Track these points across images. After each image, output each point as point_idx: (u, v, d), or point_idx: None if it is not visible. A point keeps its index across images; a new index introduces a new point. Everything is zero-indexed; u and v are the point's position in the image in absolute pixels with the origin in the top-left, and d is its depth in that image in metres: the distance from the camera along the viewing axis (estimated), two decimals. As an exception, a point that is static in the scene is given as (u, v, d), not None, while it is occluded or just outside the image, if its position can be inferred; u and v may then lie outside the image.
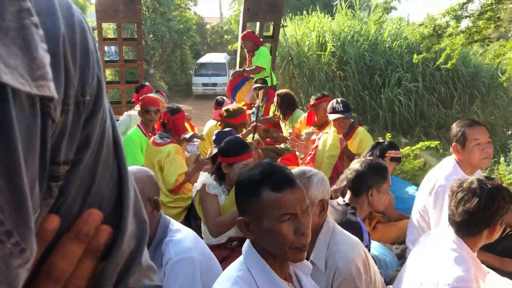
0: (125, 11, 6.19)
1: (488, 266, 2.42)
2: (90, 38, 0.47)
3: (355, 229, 2.21)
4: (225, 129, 3.47)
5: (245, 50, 6.67)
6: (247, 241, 1.48)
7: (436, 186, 2.76)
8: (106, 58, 16.37)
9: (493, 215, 1.85)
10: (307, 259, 1.94)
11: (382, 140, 3.56)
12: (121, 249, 0.49)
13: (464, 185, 1.90)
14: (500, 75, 9.84)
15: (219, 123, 4.39)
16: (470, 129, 2.72)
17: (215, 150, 3.27)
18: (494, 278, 2.24)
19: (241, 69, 6.60)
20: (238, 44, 7.64)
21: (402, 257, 2.95)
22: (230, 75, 6.67)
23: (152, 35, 18.58)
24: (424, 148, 6.11)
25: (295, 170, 2.06)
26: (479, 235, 1.88)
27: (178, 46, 20.43)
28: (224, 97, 6.09)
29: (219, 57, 21.12)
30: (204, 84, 19.23)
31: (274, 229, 1.36)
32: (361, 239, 2.18)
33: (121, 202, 0.50)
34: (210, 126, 5.22)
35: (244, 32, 6.73)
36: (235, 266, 1.46)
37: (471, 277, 1.81)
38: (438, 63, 5.53)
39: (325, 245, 1.94)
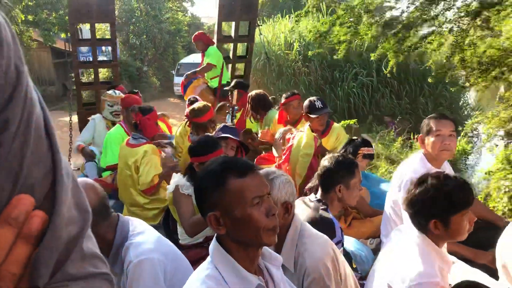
0: (98, 11, 6.11)
1: (461, 258, 2.49)
2: (5, 30, 0.49)
3: (327, 224, 2.24)
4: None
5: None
6: (213, 240, 1.47)
7: (404, 180, 2.80)
8: (103, 58, 17.50)
9: (429, 211, 1.88)
10: None
11: (356, 137, 3.61)
12: (56, 234, 0.49)
13: (415, 179, 1.97)
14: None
15: (187, 123, 4.37)
16: (435, 121, 2.78)
17: None
18: (462, 268, 2.30)
19: (193, 70, 6.73)
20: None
21: (377, 252, 3.00)
22: (184, 76, 6.70)
23: (145, 36, 20.53)
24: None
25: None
26: (429, 229, 1.90)
27: (170, 46, 21.56)
28: (197, 97, 6.06)
29: (195, 58, 21.04)
30: None
31: (247, 215, 1.37)
32: (334, 234, 2.21)
33: (55, 190, 0.51)
34: (182, 126, 5.20)
35: (196, 33, 6.83)
36: (203, 265, 1.46)
37: (436, 271, 1.84)
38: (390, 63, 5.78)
39: (293, 246, 1.95)
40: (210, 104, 4.48)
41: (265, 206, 1.40)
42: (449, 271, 1.95)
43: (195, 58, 21.11)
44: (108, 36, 9.07)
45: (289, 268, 1.93)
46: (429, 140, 2.78)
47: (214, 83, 6.84)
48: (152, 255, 1.82)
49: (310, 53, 8.27)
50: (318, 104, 3.97)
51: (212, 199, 1.40)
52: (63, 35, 17.11)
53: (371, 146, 3.48)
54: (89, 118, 5.37)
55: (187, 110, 4.35)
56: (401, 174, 2.88)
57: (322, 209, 2.41)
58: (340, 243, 2.32)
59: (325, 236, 2.02)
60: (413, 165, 2.85)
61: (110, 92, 5.19)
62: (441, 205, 1.88)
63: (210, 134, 3.29)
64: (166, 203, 3.72)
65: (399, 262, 1.93)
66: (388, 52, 5.88)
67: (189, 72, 6.83)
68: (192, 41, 6.87)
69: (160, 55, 21.24)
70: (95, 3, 6.09)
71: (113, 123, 4.95)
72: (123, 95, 5.05)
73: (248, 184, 1.39)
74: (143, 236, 1.90)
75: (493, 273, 2.22)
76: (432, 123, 2.78)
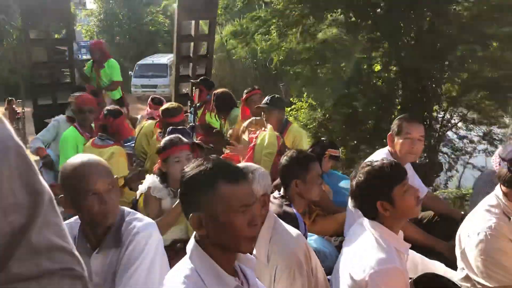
0: (53, 12, 5.94)
1: (422, 247, 2.57)
2: None
3: (290, 219, 2.31)
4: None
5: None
6: (192, 240, 1.46)
7: None
8: (88, 57, 18.66)
9: (370, 193, 1.95)
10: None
11: (324, 139, 3.71)
12: None
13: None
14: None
15: (156, 123, 4.33)
16: (406, 123, 2.87)
17: None
18: (423, 260, 2.39)
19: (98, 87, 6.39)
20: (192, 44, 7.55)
21: (341, 248, 3.08)
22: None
23: (128, 37, 24.19)
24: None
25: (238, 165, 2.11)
26: (378, 214, 1.94)
27: (150, 45, 23.81)
28: (161, 97, 6.00)
29: (161, 58, 20.69)
30: (143, 86, 18.77)
31: (231, 222, 1.37)
32: (297, 228, 2.27)
33: None
34: (146, 126, 5.13)
35: (95, 41, 6.68)
36: (181, 266, 1.45)
37: (394, 256, 1.88)
38: None
39: (267, 239, 2.00)
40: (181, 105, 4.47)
41: (249, 215, 1.40)
42: (407, 253, 1.99)
43: (155, 58, 20.84)
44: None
45: (262, 261, 1.97)
46: (398, 141, 2.86)
47: (116, 95, 6.71)
48: (156, 232, 1.86)
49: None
50: (266, 100, 4.10)
51: (199, 200, 1.39)
52: (57, 36, 18.40)
53: (338, 148, 3.59)
54: (46, 120, 5.20)
55: (160, 110, 4.29)
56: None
57: (286, 204, 2.49)
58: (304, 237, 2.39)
59: (298, 231, 2.08)
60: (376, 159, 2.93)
61: (77, 93, 5.02)
62: (377, 184, 1.93)
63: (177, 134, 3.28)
64: (129, 206, 3.68)
65: (358, 253, 1.99)
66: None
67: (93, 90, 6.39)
68: (91, 47, 6.54)
69: (141, 53, 22.88)
70: (50, 3, 5.92)
71: None
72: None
73: (238, 192, 1.38)
74: (140, 213, 1.93)
75: (452, 264, 2.34)
76: (404, 125, 2.86)
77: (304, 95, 9.25)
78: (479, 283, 2.00)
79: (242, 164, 2.14)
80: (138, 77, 19.20)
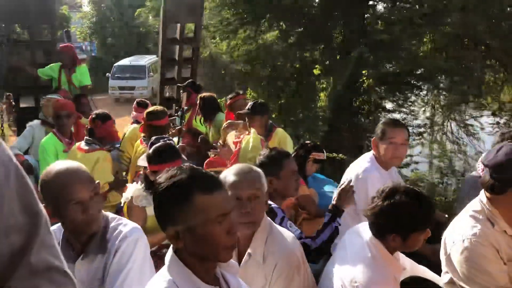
0: (37, 14, 5.87)
1: (420, 255, 2.60)
2: None
3: (270, 213, 2.34)
4: (161, 138, 3.39)
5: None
6: (170, 251, 1.42)
7: (355, 179, 2.89)
8: (84, 56, 21.19)
9: (392, 225, 1.94)
10: (245, 250, 2.02)
11: (308, 142, 3.71)
12: None
13: (382, 188, 2.02)
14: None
15: (140, 127, 4.30)
16: (390, 128, 2.88)
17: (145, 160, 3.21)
18: (413, 268, 2.42)
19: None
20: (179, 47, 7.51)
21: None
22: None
23: (119, 38, 25.38)
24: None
25: (239, 167, 2.10)
26: (387, 239, 1.97)
27: (141, 46, 25.00)
28: (146, 101, 5.96)
29: (139, 60, 20.48)
30: (120, 88, 18.54)
31: (209, 232, 1.33)
32: (275, 215, 2.42)
33: None
34: (131, 130, 5.09)
35: (65, 45, 6.61)
36: (159, 277, 1.42)
37: (388, 277, 1.92)
38: None
39: (263, 240, 2.01)
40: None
41: (227, 224, 1.37)
42: (400, 278, 2.03)
43: (132, 60, 20.64)
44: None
45: (258, 260, 1.98)
46: (382, 145, 2.88)
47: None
48: (143, 237, 1.83)
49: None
50: (249, 107, 4.10)
51: (174, 213, 1.35)
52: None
53: (322, 151, 3.59)
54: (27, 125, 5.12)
55: (145, 113, 4.26)
56: (351, 175, 2.98)
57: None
58: (284, 218, 2.51)
59: (292, 233, 2.11)
60: (364, 165, 2.95)
61: (55, 96, 4.96)
62: (406, 224, 1.93)
63: (172, 142, 3.25)
64: (113, 210, 3.66)
65: (353, 263, 2.00)
66: None
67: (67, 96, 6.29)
68: (61, 51, 6.42)
69: (132, 53, 23.41)
70: (34, 4, 5.85)
71: None
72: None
73: (214, 202, 1.34)
74: (125, 219, 1.90)
75: (435, 267, 2.36)
76: (387, 130, 2.87)
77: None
78: (463, 287, 2.02)
79: (243, 165, 2.13)
80: (115, 79, 18.93)
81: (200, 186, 1.34)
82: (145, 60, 20.25)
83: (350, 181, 2.64)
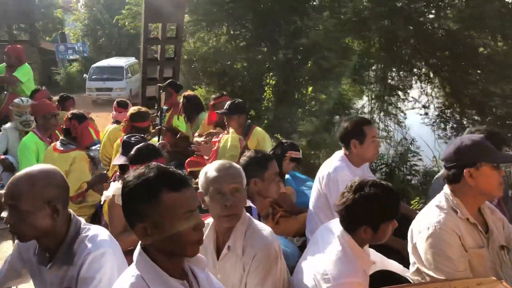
0: (15, 13, 5.84)
1: (390, 248, 2.69)
2: None
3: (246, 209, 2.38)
4: (133, 136, 3.42)
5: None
6: (138, 248, 1.46)
7: (327, 178, 2.98)
8: (76, 56, 23.62)
9: (362, 217, 2.01)
10: (224, 244, 2.08)
11: (285, 141, 3.77)
12: None
13: (351, 183, 2.10)
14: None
15: (122, 127, 4.30)
16: (367, 127, 2.95)
17: (121, 158, 3.23)
18: (383, 261, 2.49)
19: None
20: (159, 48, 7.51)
21: (303, 248, 3.15)
22: None
23: (110, 39, 26.56)
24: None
25: (220, 163, 2.15)
26: (358, 232, 2.04)
27: (131, 46, 24.97)
28: (126, 101, 5.96)
29: (118, 61, 20.25)
30: (98, 89, 18.31)
31: (177, 229, 1.37)
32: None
33: None
34: (111, 130, 5.09)
35: (12, 45, 6.52)
36: (127, 274, 1.45)
37: (358, 271, 1.99)
38: None
39: (242, 232, 2.07)
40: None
41: (194, 220, 1.41)
42: (369, 272, 2.10)
43: (111, 61, 20.45)
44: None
45: (238, 253, 2.04)
46: (364, 145, 2.94)
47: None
48: (110, 247, 1.81)
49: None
50: (226, 106, 4.17)
51: (142, 210, 1.38)
52: (47, 38, 25.74)
53: (298, 150, 3.65)
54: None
55: (128, 113, 4.26)
56: (323, 174, 3.04)
57: None
58: (260, 219, 2.55)
59: (269, 227, 2.16)
60: (335, 164, 3.02)
61: (17, 100, 4.88)
62: (376, 214, 2.01)
63: (151, 142, 3.27)
64: (93, 209, 3.67)
65: (324, 257, 2.06)
66: None
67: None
68: (7, 51, 6.32)
69: (122, 53, 24.15)
70: (14, 3, 5.81)
71: (26, 132, 4.65)
72: (30, 103, 4.79)
73: (181, 199, 1.38)
74: (95, 229, 1.87)
75: (408, 263, 2.43)
76: (366, 129, 2.94)
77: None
78: (428, 275, 2.10)
79: (224, 161, 2.18)
80: (92, 80, 18.69)
81: (168, 184, 1.38)
82: (124, 61, 20.00)
83: None
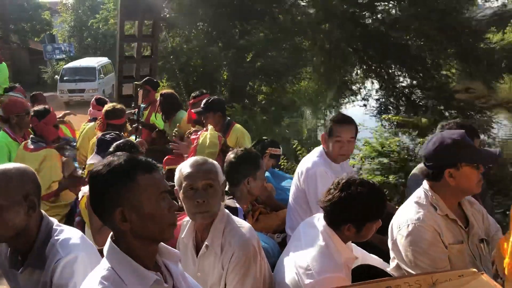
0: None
1: (369, 244, 2.69)
2: None
3: (231, 211, 2.34)
4: (108, 134, 3.35)
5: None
6: (108, 241, 1.45)
7: (306, 173, 2.97)
8: (62, 56, 25.24)
9: (348, 216, 2.00)
10: (202, 242, 2.05)
11: (265, 138, 3.76)
12: None
13: (338, 179, 2.08)
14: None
15: (97, 125, 4.22)
16: (337, 126, 2.92)
17: (96, 157, 3.17)
18: (364, 256, 2.50)
19: None
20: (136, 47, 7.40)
21: (283, 245, 3.13)
22: None
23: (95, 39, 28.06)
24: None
25: (194, 159, 2.15)
26: (342, 229, 2.03)
27: (115, 45, 25.53)
28: (105, 98, 5.86)
29: (90, 61, 19.93)
30: (70, 90, 17.97)
31: (155, 210, 1.39)
32: None
33: None
34: (88, 128, 4.99)
35: None
36: (98, 268, 1.43)
37: (340, 266, 1.98)
38: None
39: (220, 230, 2.04)
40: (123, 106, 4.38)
41: (168, 201, 1.44)
42: (351, 267, 2.09)
43: (82, 62, 20.14)
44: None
45: (216, 251, 2.02)
46: (329, 142, 2.94)
47: None
48: (83, 251, 1.75)
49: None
50: (202, 104, 4.14)
51: (119, 195, 1.38)
52: (36, 39, 27.92)
53: (279, 147, 3.64)
54: None
55: (103, 111, 4.17)
56: (302, 169, 3.03)
57: (228, 199, 2.56)
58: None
59: (249, 224, 2.14)
60: (313, 159, 3.01)
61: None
62: (362, 214, 1.99)
63: (129, 139, 3.21)
64: (67, 209, 3.58)
65: (307, 252, 2.04)
66: None
67: None
68: None
69: (108, 52, 24.56)
70: None
71: None
72: None
73: (155, 180, 1.42)
74: (68, 232, 1.81)
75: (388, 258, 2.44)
76: (334, 127, 2.91)
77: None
78: (407, 272, 2.11)
79: (198, 157, 2.16)
80: (64, 81, 18.34)
81: (141, 167, 1.41)
82: (96, 61, 19.74)
83: None
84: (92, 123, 5.00)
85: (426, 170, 2.17)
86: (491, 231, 2.28)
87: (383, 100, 10.78)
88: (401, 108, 9.99)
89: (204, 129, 3.91)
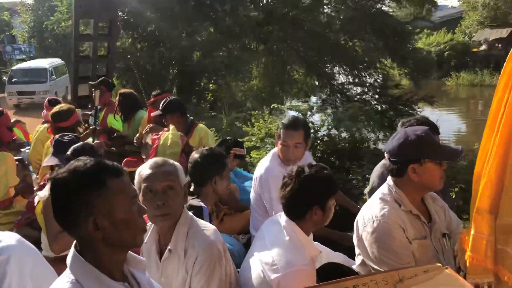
0: None
1: (329, 241, 2.71)
2: None
3: (196, 210, 2.35)
4: (65, 135, 3.21)
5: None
6: (72, 251, 1.35)
7: (259, 179, 3.03)
8: (22, 56, 25.09)
9: (310, 200, 2.03)
10: (165, 246, 1.99)
11: (229, 138, 3.72)
12: None
13: (290, 171, 2.09)
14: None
15: (48, 129, 4.05)
16: (283, 130, 2.93)
17: (53, 159, 3.05)
18: (328, 254, 2.51)
19: None
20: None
21: (249, 246, 3.11)
22: None
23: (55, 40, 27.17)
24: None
25: (154, 160, 2.09)
26: (304, 218, 2.05)
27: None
28: (58, 98, 5.65)
29: (41, 62, 19.21)
30: (19, 92, 17.23)
31: (128, 215, 1.33)
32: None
33: None
34: (41, 130, 4.80)
35: None
36: (61, 280, 1.34)
37: (306, 258, 1.98)
38: None
39: (183, 234, 1.99)
40: (73, 107, 4.21)
41: (138, 206, 1.38)
42: (316, 260, 2.10)
43: (32, 63, 19.46)
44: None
45: (180, 255, 1.97)
46: (278, 146, 2.98)
47: None
48: (16, 253, 1.66)
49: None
50: (160, 106, 4.07)
51: (89, 201, 1.29)
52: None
53: (243, 147, 3.63)
54: None
55: (46, 112, 4.01)
56: (258, 171, 3.09)
57: (192, 199, 2.53)
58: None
59: (213, 226, 2.10)
60: (266, 163, 3.06)
61: None
62: (323, 191, 2.05)
63: (89, 142, 3.10)
64: (19, 216, 3.42)
65: (271, 249, 2.03)
66: None
67: None
68: None
69: (68, 53, 24.42)
70: None
71: None
72: None
73: (125, 184, 1.35)
74: (1, 235, 1.71)
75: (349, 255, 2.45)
76: (282, 132, 2.93)
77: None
78: (373, 268, 2.13)
79: (158, 159, 2.11)
80: (12, 84, 17.59)
81: (110, 171, 1.34)
82: (48, 63, 18.99)
83: None
84: (45, 125, 4.83)
85: (390, 165, 2.20)
86: (452, 226, 2.33)
87: (324, 97, 11.59)
88: (337, 103, 11.04)
89: (166, 129, 3.82)
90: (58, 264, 2.59)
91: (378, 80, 11.42)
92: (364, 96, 11.26)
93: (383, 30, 10.49)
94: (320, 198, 2.05)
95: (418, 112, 11.02)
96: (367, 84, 11.20)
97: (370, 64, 11.26)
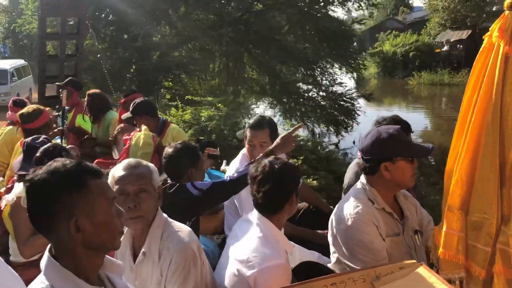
0: None
1: (302, 239, 2.72)
2: None
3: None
4: (37, 138, 3.12)
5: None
6: (46, 255, 1.31)
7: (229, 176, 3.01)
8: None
9: (288, 190, 2.05)
10: (139, 249, 1.97)
11: (202, 138, 3.70)
12: None
13: (259, 169, 2.08)
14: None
15: (19, 129, 3.93)
16: (249, 130, 2.98)
17: (22, 164, 2.95)
18: (302, 252, 2.52)
19: None
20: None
21: (223, 246, 3.09)
22: None
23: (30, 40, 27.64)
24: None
25: (127, 161, 2.06)
26: (282, 211, 2.06)
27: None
28: (24, 99, 5.47)
29: (1, 64, 18.42)
30: None
31: (108, 217, 1.32)
32: None
33: None
34: (6, 132, 4.64)
35: None
36: (34, 286, 1.29)
37: (280, 252, 1.99)
38: None
39: (158, 236, 1.97)
40: (42, 107, 4.09)
41: (116, 208, 1.36)
42: (290, 253, 2.11)
43: (4, 64, 18.75)
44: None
45: (154, 258, 1.94)
46: (246, 145, 3.02)
47: None
48: None
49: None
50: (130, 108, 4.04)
51: (71, 203, 1.25)
52: None
53: (216, 147, 3.61)
54: None
55: (10, 113, 3.89)
56: (228, 171, 3.13)
57: None
58: None
59: (188, 228, 2.08)
60: (235, 165, 3.09)
61: None
62: (294, 179, 2.08)
63: (59, 143, 3.02)
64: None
65: (246, 246, 2.03)
66: None
67: None
68: None
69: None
70: None
71: None
72: None
73: (105, 185, 1.34)
74: None
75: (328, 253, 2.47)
76: (247, 132, 2.99)
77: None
78: (348, 266, 2.15)
79: (134, 160, 2.08)
80: None
81: (90, 172, 1.32)
82: (9, 64, 18.24)
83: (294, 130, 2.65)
84: (10, 127, 4.68)
85: (363, 164, 2.24)
86: (424, 223, 2.38)
87: (275, 93, 12.56)
88: (284, 100, 12.23)
89: (138, 129, 3.77)
90: (27, 269, 2.53)
91: (323, 78, 12.75)
92: (310, 93, 12.75)
93: (324, 32, 11.75)
94: (294, 188, 2.07)
95: (358, 108, 12.64)
96: (311, 81, 12.53)
97: (315, 63, 12.45)
